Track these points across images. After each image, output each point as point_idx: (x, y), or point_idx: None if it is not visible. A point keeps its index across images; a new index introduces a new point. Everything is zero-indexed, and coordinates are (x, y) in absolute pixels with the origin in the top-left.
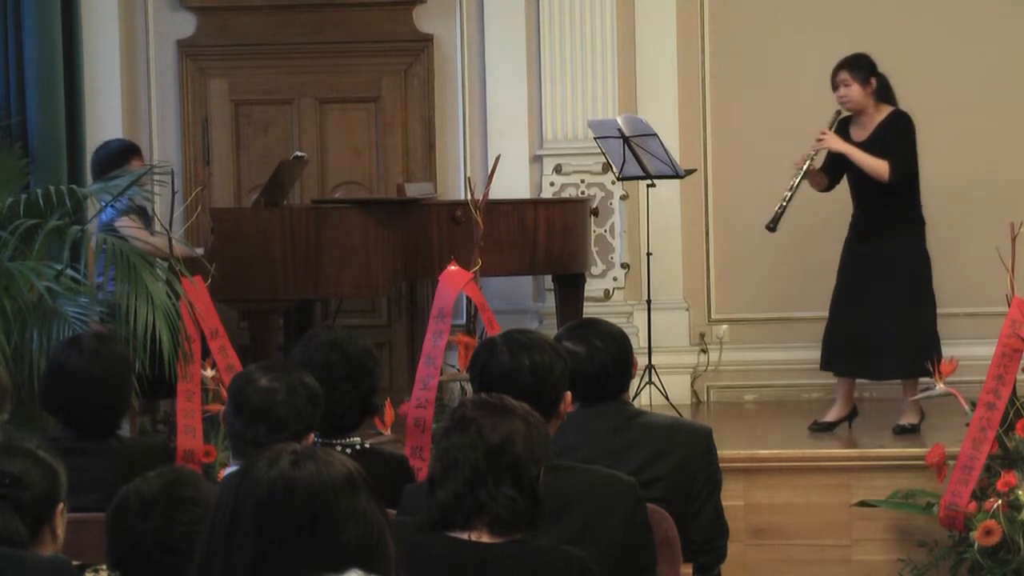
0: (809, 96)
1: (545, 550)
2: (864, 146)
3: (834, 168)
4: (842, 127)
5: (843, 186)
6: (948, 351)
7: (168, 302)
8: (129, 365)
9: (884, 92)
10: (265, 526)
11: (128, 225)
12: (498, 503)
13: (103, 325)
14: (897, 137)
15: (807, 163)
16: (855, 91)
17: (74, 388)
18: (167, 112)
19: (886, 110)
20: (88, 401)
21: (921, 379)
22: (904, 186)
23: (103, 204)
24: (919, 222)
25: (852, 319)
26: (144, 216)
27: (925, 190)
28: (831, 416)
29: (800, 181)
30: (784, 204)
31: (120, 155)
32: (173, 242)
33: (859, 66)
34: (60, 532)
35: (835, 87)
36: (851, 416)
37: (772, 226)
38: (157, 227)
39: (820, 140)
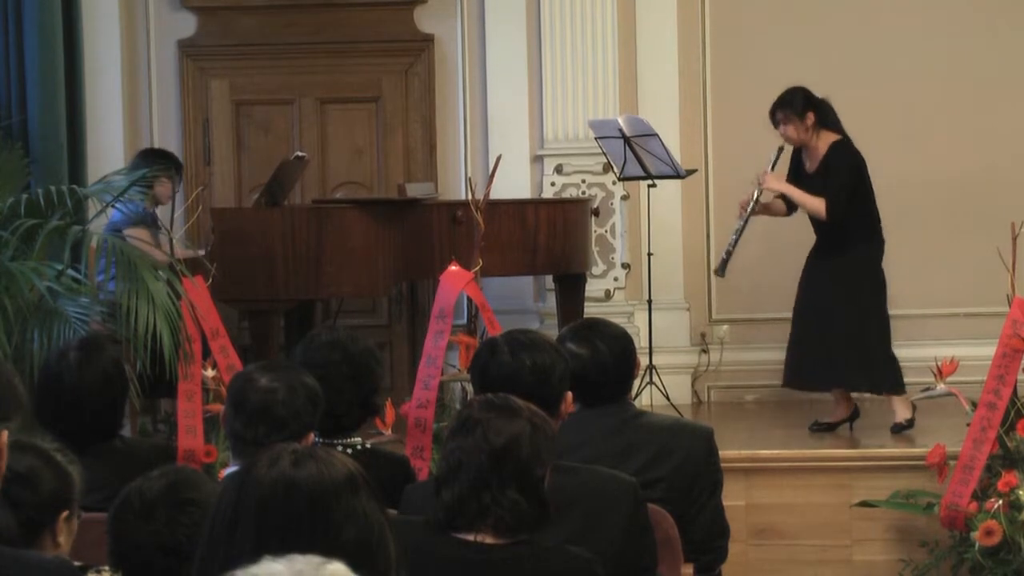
0: None
1: (550, 552)
2: (815, 176)
3: None
4: (796, 157)
5: None
6: (948, 351)
7: (169, 302)
8: (121, 367)
9: (826, 120)
10: (266, 526)
11: (135, 236)
12: (502, 506)
13: (103, 325)
14: (832, 173)
15: (751, 205)
16: (791, 130)
17: (66, 401)
18: (167, 112)
19: (829, 138)
20: (83, 412)
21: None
22: (856, 211)
23: (104, 203)
24: (876, 242)
25: (807, 334)
26: (154, 228)
27: (926, 190)
28: (832, 418)
29: (746, 224)
30: (731, 248)
31: (150, 158)
32: (174, 243)
33: (793, 103)
34: (63, 539)
35: (775, 125)
36: (852, 418)
37: (720, 271)
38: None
39: (762, 183)
